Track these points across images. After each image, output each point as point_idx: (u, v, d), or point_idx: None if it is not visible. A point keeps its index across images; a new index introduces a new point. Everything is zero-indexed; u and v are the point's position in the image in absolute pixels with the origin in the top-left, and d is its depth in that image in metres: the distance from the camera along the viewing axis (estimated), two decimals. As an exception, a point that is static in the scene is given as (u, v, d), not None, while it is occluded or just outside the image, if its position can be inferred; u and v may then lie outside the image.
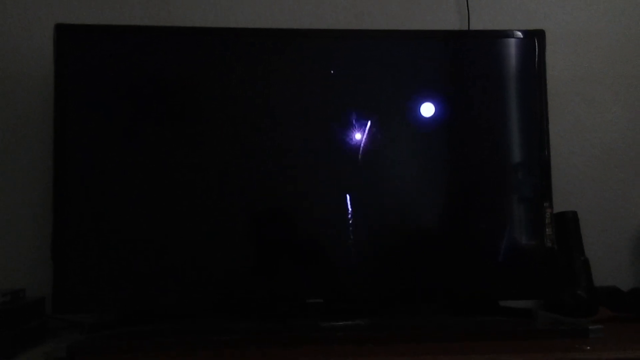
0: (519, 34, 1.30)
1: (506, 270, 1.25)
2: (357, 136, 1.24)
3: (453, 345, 1.07)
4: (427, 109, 1.26)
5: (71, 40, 1.20)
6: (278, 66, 1.25)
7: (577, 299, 1.28)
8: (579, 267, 1.32)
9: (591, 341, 1.07)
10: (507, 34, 1.31)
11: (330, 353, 1.03)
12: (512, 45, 1.30)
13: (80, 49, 1.20)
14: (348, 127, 1.24)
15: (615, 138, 1.51)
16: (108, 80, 1.21)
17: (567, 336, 1.10)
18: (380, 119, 1.25)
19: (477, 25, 1.48)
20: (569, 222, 1.35)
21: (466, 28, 1.48)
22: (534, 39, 1.29)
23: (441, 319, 1.27)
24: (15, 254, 1.35)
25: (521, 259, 1.25)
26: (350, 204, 1.23)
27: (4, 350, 1.04)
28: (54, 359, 1.00)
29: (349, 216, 1.23)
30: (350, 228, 1.23)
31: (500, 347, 1.05)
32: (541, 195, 1.26)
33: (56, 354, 1.00)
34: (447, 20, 1.49)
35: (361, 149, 1.24)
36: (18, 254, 1.35)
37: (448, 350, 1.03)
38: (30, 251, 1.34)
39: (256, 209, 1.22)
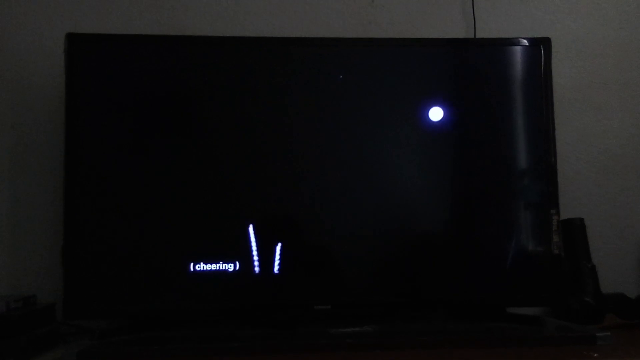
0: (525, 42, 1.31)
1: (513, 277, 1.25)
2: (365, 143, 1.25)
3: (460, 351, 1.07)
4: (434, 117, 1.27)
5: (82, 49, 1.21)
6: (287, 74, 1.26)
7: (585, 306, 1.28)
8: (586, 274, 1.32)
9: (599, 348, 1.07)
10: (513, 41, 1.32)
11: (339, 360, 1.04)
12: (518, 53, 1.30)
13: (90, 57, 1.22)
14: (356, 134, 1.25)
15: (622, 145, 1.51)
16: (118, 88, 1.22)
17: (574, 343, 1.10)
18: (388, 127, 1.26)
19: (483, 33, 1.48)
20: (576, 229, 1.35)
21: (472, 36, 1.48)
22: (540, 46, 1.30)
23: (448, 326, 1.27)
24: (26, 260, 1.36)
25: (528, 266, 1.26)
26: (358, 211, 1.24)
27: (16, 356, 1.05)
28: (65, 365, 1.02)
29: (357, 222, 1.24)
30: (358, 234, 1.23)
31: (507, 353, 1.05)
32: (548, 202, 1.26)
33: (67, 360, 1.02)
34: (453, 28, 1.50)
35: (369, 156, 1.25)
36: (29, 260, 1.36)
37: (455, 357, 1.04)
38: (41, 257, 1.35)
39: (264, 215, 1.23)
